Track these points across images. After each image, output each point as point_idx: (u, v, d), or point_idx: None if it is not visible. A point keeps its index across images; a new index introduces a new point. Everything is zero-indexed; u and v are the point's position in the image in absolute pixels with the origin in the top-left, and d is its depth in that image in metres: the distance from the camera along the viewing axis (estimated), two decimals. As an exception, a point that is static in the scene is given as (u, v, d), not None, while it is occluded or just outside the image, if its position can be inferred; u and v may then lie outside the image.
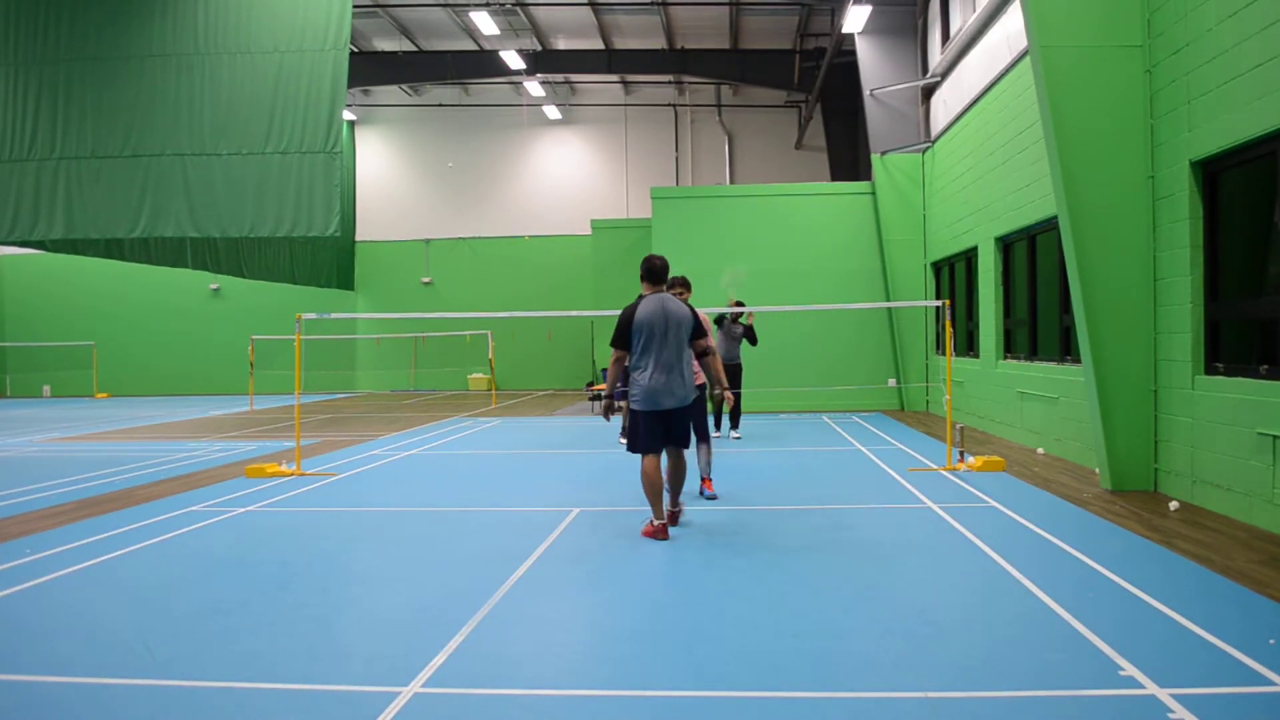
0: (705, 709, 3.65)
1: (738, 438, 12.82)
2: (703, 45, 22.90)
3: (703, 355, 7.00)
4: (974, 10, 13.49)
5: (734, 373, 12.53)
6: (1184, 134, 7.50)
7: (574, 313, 16.79)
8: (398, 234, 27.48)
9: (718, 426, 12.93)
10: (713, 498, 8.14)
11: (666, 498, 6.97)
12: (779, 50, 22.60)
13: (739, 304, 12.77)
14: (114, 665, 4.21)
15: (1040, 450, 11.00)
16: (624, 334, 6.61)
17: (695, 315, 6.81)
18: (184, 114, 12.14)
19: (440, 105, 26.88)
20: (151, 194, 12.16)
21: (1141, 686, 3.72)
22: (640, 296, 6.72)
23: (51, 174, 12.42)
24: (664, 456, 6.90)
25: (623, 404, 11.84)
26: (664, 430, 6.69)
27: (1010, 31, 11.95)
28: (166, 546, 6.64)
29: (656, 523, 6.61)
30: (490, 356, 23.28)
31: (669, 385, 6.55)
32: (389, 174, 27.65)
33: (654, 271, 6.70)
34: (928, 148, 16.91)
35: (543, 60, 22.90)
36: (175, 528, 7.25)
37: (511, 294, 26.23)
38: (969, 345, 14.96)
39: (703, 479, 8.29)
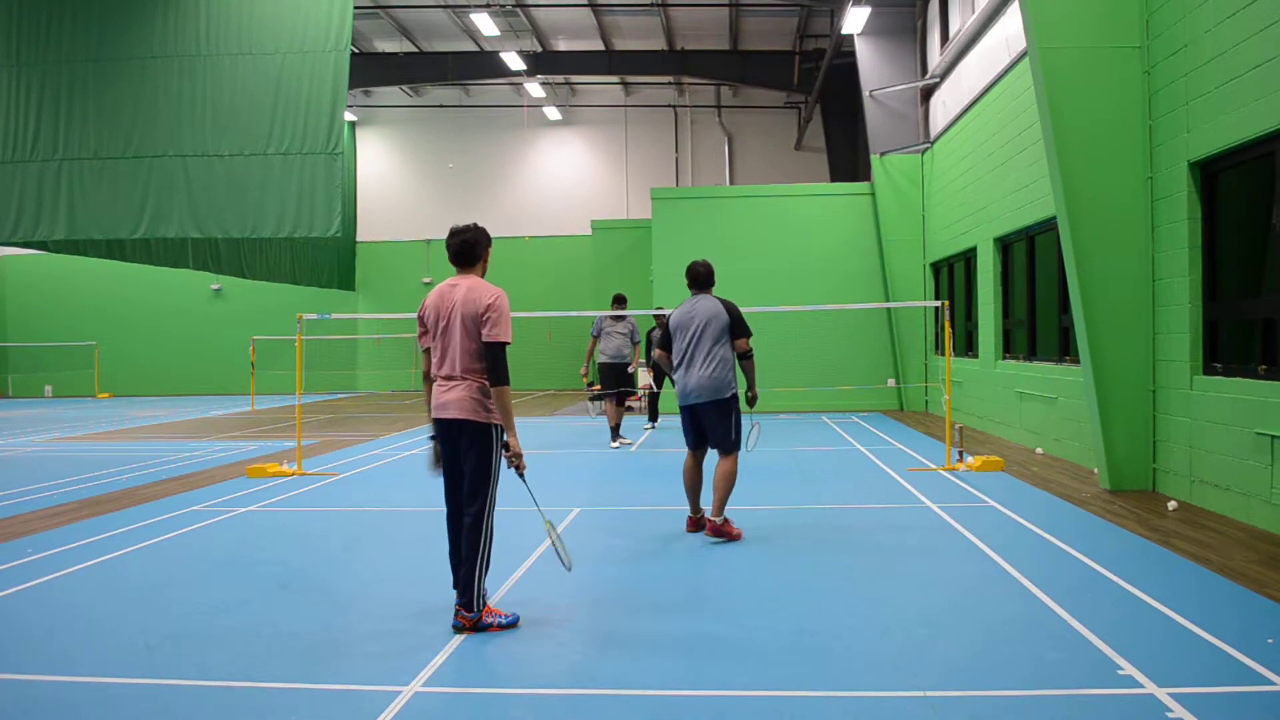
0: (705, 708, 3.66)
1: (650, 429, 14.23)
2: (702, 46, 22.89)
3: (741, 357, 6.74)
4: (973, 11, 13.50)
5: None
6: (1182, 135, 7.52)
7: (574, 313, 16.73)
8: (399, 234, 27.48)
9: (651, 418, 14.52)
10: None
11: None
12: (779, 51, 22.60)
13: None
14: (115, 664, 4.23)
15: (1039, 450, 11.01)
16: (665, 338, 6.94)
17: (731, 314, 6.68)
18: (186, 115, 12.12)
19: (441, 106, 26.89)
20: (153, 195, 12.14)
21: (1140, 686, 3.74)
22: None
23: (54, 175, 12.40)
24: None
25: (604, 400, 12.54)
26: (695, 428, 6.75)
27: (1009, 33, 11.96)
28: (167, 546, 6.66)
29: (691, 516, 6.86)
30: None
31: (686, 380, 6.65)
32: (390, 175, 27.66)
33: (695, 278, 6.90)
34: (927, 148, 16.91)
35: (543, 61, 22.91)
36: (176, 527, 7.27)
37: (512, 294, 25.48)
38: (968, 345, 14.97)
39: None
